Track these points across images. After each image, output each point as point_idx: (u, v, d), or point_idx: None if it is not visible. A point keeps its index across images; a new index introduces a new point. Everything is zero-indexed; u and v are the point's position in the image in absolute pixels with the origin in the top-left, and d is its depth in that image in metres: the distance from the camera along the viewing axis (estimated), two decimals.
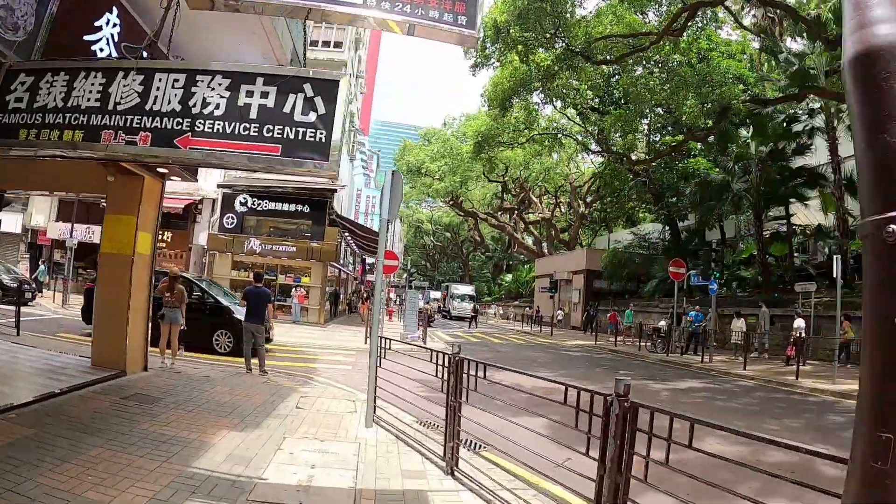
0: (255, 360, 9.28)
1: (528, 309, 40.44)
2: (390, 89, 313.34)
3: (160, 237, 25.34)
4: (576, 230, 45.91)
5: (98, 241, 8.60)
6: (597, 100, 28.50)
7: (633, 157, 31.03)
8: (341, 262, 29.55)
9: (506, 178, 43.04)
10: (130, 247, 7.83)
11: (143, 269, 8.13)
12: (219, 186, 22.56)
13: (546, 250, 47.87)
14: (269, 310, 9.37)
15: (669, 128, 26.96)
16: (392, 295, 42.12)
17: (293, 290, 22.17)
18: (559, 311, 35.21)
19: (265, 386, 8.26)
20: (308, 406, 7.09)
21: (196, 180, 7.88)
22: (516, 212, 49.74)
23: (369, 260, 39.53)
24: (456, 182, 39.46)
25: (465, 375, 4.75)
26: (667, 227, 34.27)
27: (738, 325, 18.42)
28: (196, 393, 7.23)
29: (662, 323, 21.73)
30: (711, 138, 25.50)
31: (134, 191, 7.92)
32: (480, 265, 74.33)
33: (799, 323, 16.35)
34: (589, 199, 43.56)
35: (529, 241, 51.93)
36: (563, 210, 49.64)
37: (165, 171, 7.98)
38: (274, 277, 23.03)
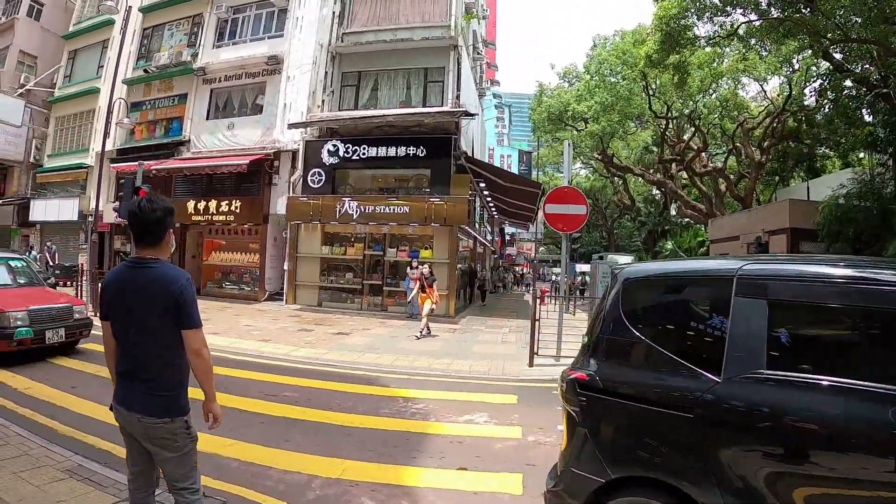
0: None
1: None
2: (511, 62, 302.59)
3: (226, 207, 16.63)
4: (752, 183, 34.94)
5: None
6: None
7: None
8: (477, 227, 21.96)
9: (671, 116, 32.80)
10: None
11: None
12: (290, 126, 15.83)
13: (716, 210, 37.10)
14: (196, 352, 1.96)
15: None
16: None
17: (408, 268, 14.90)
18: None
19: None
20: None
21: None
22: (676, 163, 39.36)
23: (509, 229, 31.63)
24: (613, 122, 30.16)
25: None
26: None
27: None
28: None
29: None
30: None
31: None
32: (629, 233, 63.62)
33: None
34: (766, 145, 32.39)
35: (693, 199, 41.12)
36: (742, 157, 38.38)
37: None
38: (381, 253, 16.09)
